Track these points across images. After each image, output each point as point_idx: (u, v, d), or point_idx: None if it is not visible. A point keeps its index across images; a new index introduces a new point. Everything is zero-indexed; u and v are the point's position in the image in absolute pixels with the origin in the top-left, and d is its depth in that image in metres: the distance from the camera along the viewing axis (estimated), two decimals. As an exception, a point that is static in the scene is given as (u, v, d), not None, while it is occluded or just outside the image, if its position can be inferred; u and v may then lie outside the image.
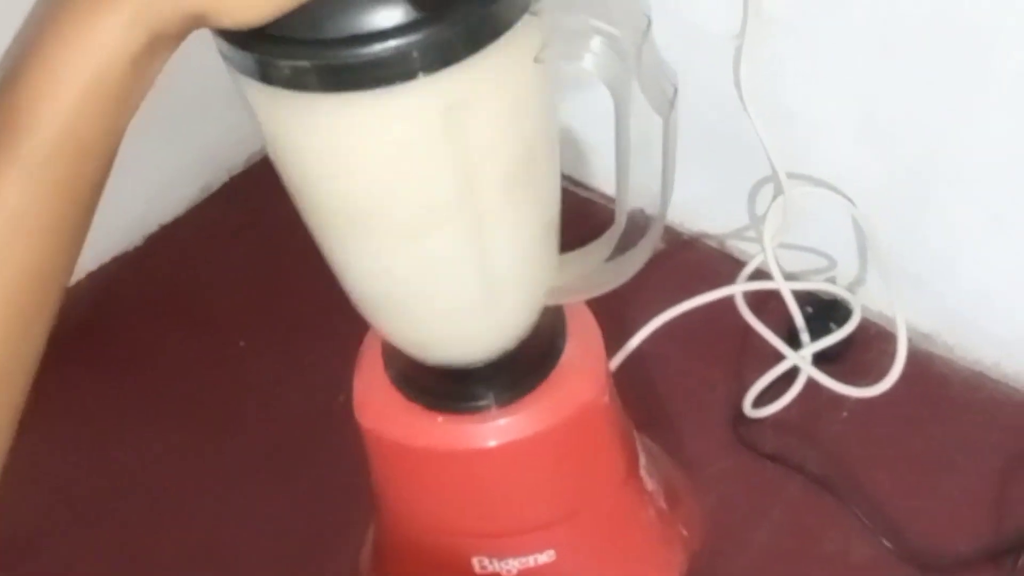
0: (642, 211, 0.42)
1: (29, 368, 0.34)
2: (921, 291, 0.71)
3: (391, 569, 0.57)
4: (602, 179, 0.87)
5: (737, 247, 0.82)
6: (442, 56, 0.32)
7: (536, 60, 0.35)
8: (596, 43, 0.34)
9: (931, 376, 0.72)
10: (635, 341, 0.72)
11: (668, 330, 0.73)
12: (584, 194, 0.88)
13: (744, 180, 0.76)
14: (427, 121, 0.33)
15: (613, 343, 0.72)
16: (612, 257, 0.43)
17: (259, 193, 0.98)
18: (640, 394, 0.73)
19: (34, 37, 0.30)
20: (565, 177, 0.87)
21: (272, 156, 0.38)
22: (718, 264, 0.81)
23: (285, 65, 0.32)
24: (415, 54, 0.31)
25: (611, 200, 0.86)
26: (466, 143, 0.34)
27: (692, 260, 0.82)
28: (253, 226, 0.92)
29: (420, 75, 0.32)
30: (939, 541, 0.64)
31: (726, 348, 0.74)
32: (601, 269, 0.43)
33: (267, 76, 0.33)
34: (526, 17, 0.33)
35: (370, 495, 0.56)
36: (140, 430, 0.78)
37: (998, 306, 0.69)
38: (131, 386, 0.82)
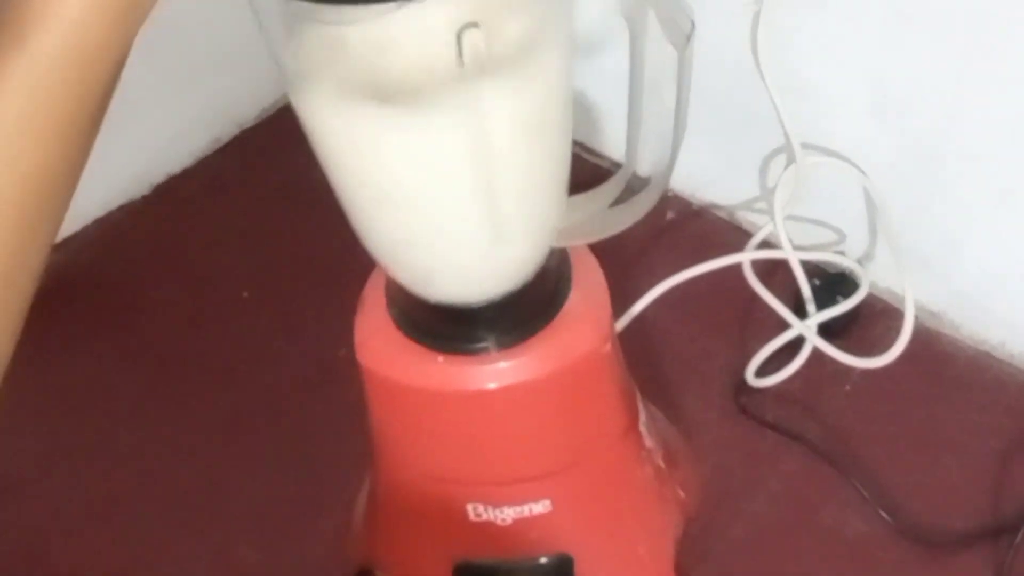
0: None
1: (33, 274, 0.33)
2: (929, 269, 0.70)
3: (383, 515, 0.57)
4: (613, 146, 0.87)
5: (747, 218, 0.81)
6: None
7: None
8: (614, -28, 0.34)
9: (936, 353, 0.71)
10: (639, 306, 0.72)
11: (673, 296, 0.73)
12: (595, 160, 0.87)
13: (756, 151, 0.76)
14: (439, 44, 0.33)
15: (618, 308, 0.71)
16: (621, 199, 0.42)
17: (269, 147, 0.99)
18: (643, 359, 0.72)
19: None
20: (576, 143, 0.88)
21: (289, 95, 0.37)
22: (727, 234, 0.81)
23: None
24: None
25: (620, 166, 0.87)
26: (476, 48, 0.33)
27: (701, 229, 0.82)
28: (262, 180, 0.91)
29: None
30: (937, 517, 0.64)
31: (731, 316, 0.74)
32: (606, 212, 0.43)
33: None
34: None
35: (367, 442, 0.55)
36: (140, 379, 0.78)
37: (1006, 286, 0.68)
38: (133, 334, 0.82)
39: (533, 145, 0.38)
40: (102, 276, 0.86)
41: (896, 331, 0.68)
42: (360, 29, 0.33)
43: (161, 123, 0.91)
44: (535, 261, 0.45)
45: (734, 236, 0.79)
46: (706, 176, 0.81)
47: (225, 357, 0.79)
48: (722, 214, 0.83)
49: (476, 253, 0.42)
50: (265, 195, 0.91)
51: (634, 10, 0.34)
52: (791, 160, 0.70)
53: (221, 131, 0.96)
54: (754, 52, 0.68)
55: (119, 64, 0.32)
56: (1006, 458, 0.66)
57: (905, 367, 0.68)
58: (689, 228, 0.82)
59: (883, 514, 0.64)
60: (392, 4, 0.31)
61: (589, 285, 0.49)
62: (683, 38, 0.35)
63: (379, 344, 0.48)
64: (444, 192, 0.38)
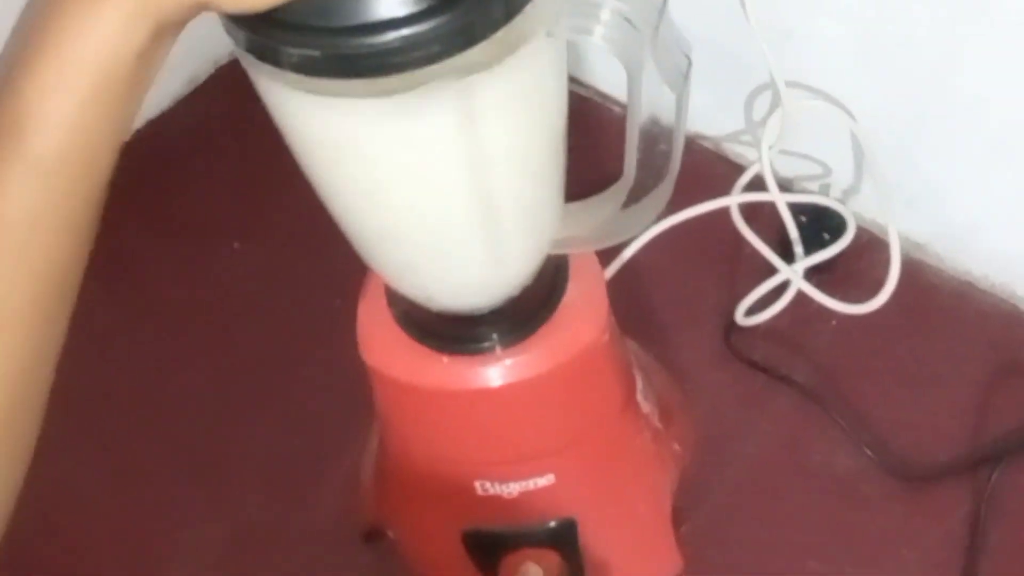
0: (656, 121, 0.41)
1: (52, 362, 0.34)
2: (915, 206, 0.71)
3: (393, 484, 0.59)
4: (599, 77, 0.86)
5: (733, 150, 0.82)
6: (461, 41, 0.31)
7: (548, 34, 0.34)
8: (607, 16, 0.33)
9: (921, 287, 0.73)
10: (629, 251, 0.73)
11: (663, 240, 0.73)
12: (581, 92, 0.87)
13: (743, 89, 0.76)
14: (441, 101, 0.33)
15: (607, 254, 0.72)
16: (620, 208, 0.42)
17: (248, 84, 0.97)
18: (634, 304, 0.74)
19: (36, 34, 0.30)
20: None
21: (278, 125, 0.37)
22: (714, 168, 0.81)
23: (294, 52, 0.31)
24: (433, 42, 0.30)
25: (607, 99, 0.86)
26: (479, 122, 0.33)
27: (688, 163, 0.80)
28: (244, 119, 0.88)
29: (438, 61, 0.31)
30: (921, 452, 0.67)
31: (720, 258, 0.75)
32: (608, 221, 0.43)
33: (275, 60, 0.32)
34: (542, -6, 0.32)
35: (372, 408, 0.56)
36: (129, 335, 0.78)
37: (990, 223, 0.69)
38: (119, 289, 0.81)
39: (530, 151, 0.38)
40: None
41: (882, 268, 0.69)
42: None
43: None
44: (533, 271, 0.45)
45: (722, 170, 0.79)
46: (693, 109, 0.80)
47: (219, 310, 0.79)
48: (709, 145, 0.83)
49: (473, 273, 0.43)
50: (249, 135, 0.89)
51: (630, 53, 0.34)
52: (777, 101, 0.70)
53: (196, 70, 0.94)
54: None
55: (115, 158, 0.33)
56: (988, 390, 0.69)
57: (890, 302, 0.69)
58: None
59: (868, 451, 0.66)
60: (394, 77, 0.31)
61: (586, 274, 0.49)
62: (680, 78, 0.35)
63: (383, 343, 0.49)
64: (441, 216, 0.39)
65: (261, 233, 0.83)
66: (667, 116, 0.39)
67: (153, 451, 0.73)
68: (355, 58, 0.30)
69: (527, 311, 0.47)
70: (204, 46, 0.93)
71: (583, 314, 0.48)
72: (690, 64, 0.35)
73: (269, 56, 0.32)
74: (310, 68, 0.31)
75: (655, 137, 0.39)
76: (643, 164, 0.40)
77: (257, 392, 0.75)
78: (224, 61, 0.95)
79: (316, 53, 0.31)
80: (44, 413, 0.35)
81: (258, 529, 0.69)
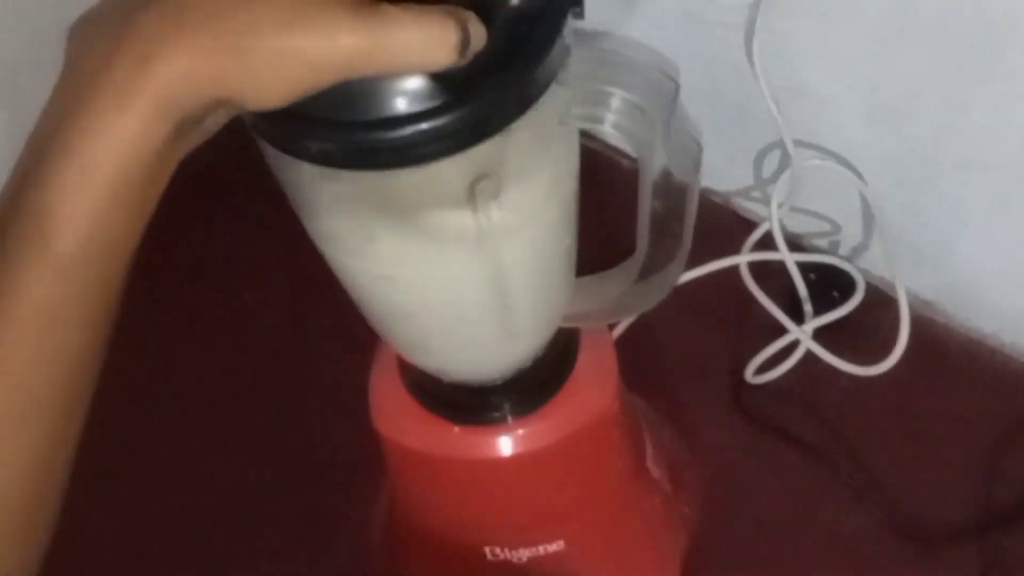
0: (669, 199, 0.41)
1: (71, 452, 0.34)
2: (922, 264, 0.71)
3: (404, 549, 0.59)
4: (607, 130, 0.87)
5: (743, 205, 0.82)
6: (475, 134, 0.31)
7: (560, 123, 0.34)
8: (618, 104, 0.34)
9: (929, 344, 0.72)
10: (639, 308, 0.73)
11: (672, 296, 0.72)
12: (591, 145, 0.87)
13: (753, 145, 0.76)
14: (453, 191, 0.33)
15: (617, 310, 0.72)
16: (633, 283, 0.43)
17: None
18: (643, 361, 0.73)
19: (59, 132, 0.30)
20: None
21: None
22: (723, 222, 0.81)
23: (313, 146, 0.32)
24: (447, 135, 0.31)
25: (616, 152, 0.86)
26: (491, 209, 0.34)
27: (698, 219, 0.82)
28: (257, 166, 0.90)
29: (451, 154, 0.31)
30: (930, 512, 0.66)
31: (730, 316, 0.75)
32: (619, 296, 0.44)
33: (294, 152, 0.33)
34: (553, 86, 0.33)
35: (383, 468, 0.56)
36: (140, 385, 0.77)
37: (997, 281, 0.70)
38: (130, 335, 0.80)
39: (542, 255, 0.39)
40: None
41: (891, 326, 0.69)
42: (370, 185, 0.33)
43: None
44: (544, 343, 0.46)
45: (730, 224, 0.80)
46: (703, 164, 0.81)
47: (229, 361, 0.79)
48: (718, 200, 0.83)
49: (486, 351, 0.43)
50: (262, 182, 0.89)
51: (641, 141, 0.34)
52: (786, 160, 0.71)
53: (211, 121, 0.94)
54: (749, 53, 0.68)
55: (134, 252, 0.33)
56: (998, 450, 0.68)
57: (899, 361, 0.69)
58: None
59: (878, 512, 0.66)
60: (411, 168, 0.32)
61: (596, 344, 0.50)
62: (692, 166, 0.35)
63: (396, 412, 0.49)
64: (458, 309, 0.40)
65: (273, 283, 0.84)
66: (678, 197, 0.39)
67: (163, 504, 0.72)
68: (372, 151, 0.31)
69: (538, 382, 0.48)
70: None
71: (594, 384, 0.49)
72: (701, 151, 0.35)
73: (288, 147, 0.32)
74: (328, 160, 0.32)
75: (667, 216, 0.40)
76: (655, 242, 0.41)
77: (267, 444, 0.74)
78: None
79: (334, 147, 0.31)
80: (62, 503, 0.35)
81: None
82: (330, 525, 0.70)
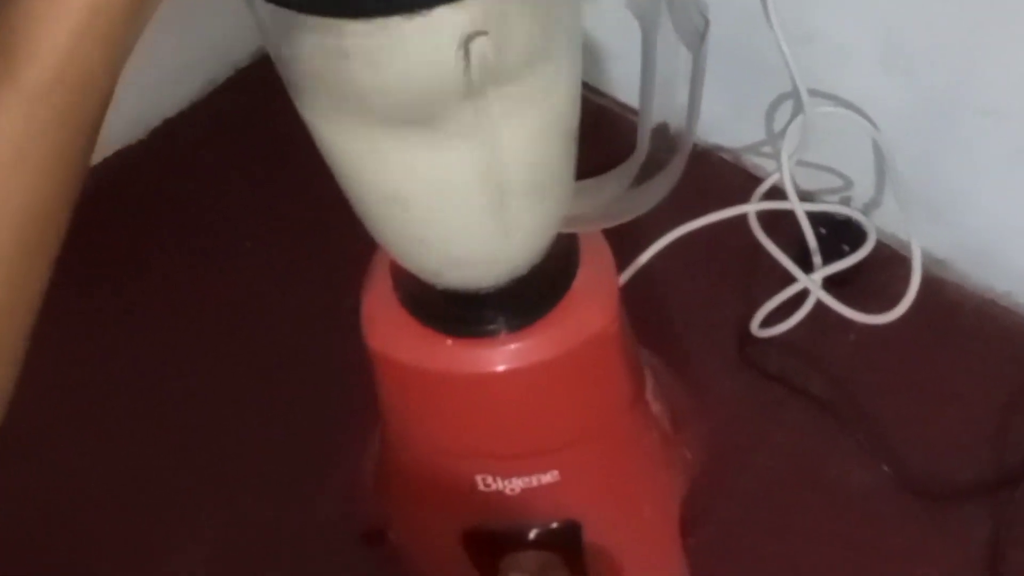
0: (666, 125, 0.40)
1: (33, 306, 0.33)
2: (937, 219, 0.70)
3: (394, 482, 0.57)
4: (617, 86, 0.85)
5: (752, 162, 0.80)
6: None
7: (563, -14, 0.33)
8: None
9: (942, 303, 0.71)
10: (645, 257, 0.72)
11: (679, 246, 0.72)
12: (599, 101, 0.86)
13: (763, 96, 0.75)
14: (442, 43, 0.32)
15: (623, 259, 0.71)
16: (633, 186, 0.41)
17: (266, 87, 0.95)
18: (648, 311, 0.72)
19: None
20: (582, 84, 0.86)
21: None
22: (732, 179, 0.80)
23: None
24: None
25: (626, 108, 0.85)
26: (484, 59, 0.32)
27: (706, 174, 0.81)
28: (260, 122, 0.90)
29: (444, 2, 0.30)
30: (939, 469, 0.65)
31: (737, 266, 0.74)
32: (618, 199, 0.42)
33: (280, -1, 0.31)
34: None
35: (376, 406, 0.56)
36: (141, 332, 0.78)
37: (1015, 238, 0.68)
38: (132, 286, 0.81)
39: (542, 148, 0.38)
40: (98, 225, 0.84)
41: (903, 280, 0.67)
42: (361, 42, 0.32)
43: (155, 65, 0.87)
44: (543, 248, 0.44)
45: (740, 180, 0.78)
46: (712, 118, 0.80)
47: (228, 309, 0.79)
48: (728, 157, 0.82)
49: (482, 247, 0.42)
50: (265, 136, 0.89)
51: (645, 8, 0.33)
52: (798, 109, 0.69)
53: (216, 72, 0.94)
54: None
55: (110, 90, 0.32)
56: (1009, 409, 0.67)
57: (911, 316, 0.68)
58: (695, 172, 0.79)
59: (885, 467, 0.65)
60: (397, 18, 0.30)
61: (596, 261, 0.48)
62: (697, 38, 0.34)
63: (387, 326, 0.47)
64: (451, 197, 0.38)
65: (273, 233, 0.83)
66: (681, 91, 0.38)
67: (154, 445, 0.72)
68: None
69: (534, 295, 0.46)
70: (223, 48, 0.93)
71: (593, 301, 0.47)
72: (708, 24, 0.34)
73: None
74: (313, 4, 0.30)
75: (669, 111, 0.38)
76: (656, 137, 0.39)
77: (262, 390, 0.74)
78: (244, 64, 0.95)
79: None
80: (21, 365, 0.34)
81: (257, 526, 0.67)
82: (323, 470, 0.69)
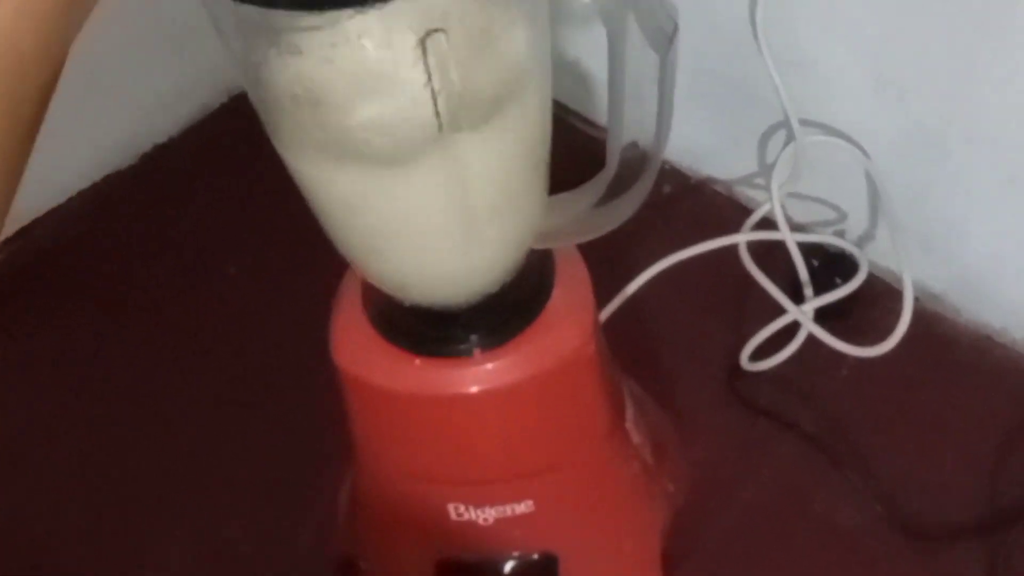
0: (636, 144, 0.39)
1: None
2: (930, 251, 0.68)
3: (365, 511, 0.56)
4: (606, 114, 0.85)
5: (744, 194, 0.79)
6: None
7: (526, -14, 0.32)
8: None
9: (936, 337, 0.70)
10: (633, 287, 0.70)
11: (668, 277, 0.71)
12: (587, 129, 0.85)
13: (754, 126, 0.74)
14: (403, 42, 0.31)
15: (610, 288, 0.70)
16: (603, 202, 0.40)
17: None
18: (635, 341, 0.71)
19: None
20: (569, 112, 0.86)
21: (243, 79, 0.35)
22: (723, 210, 0.79)
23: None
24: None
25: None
26: (445, 66, 0.31)
27: (697, 205, 0.80)
28: (252, 149, 0.88)
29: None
30: (931, 509, 0.63)
31: (726, 298, 0.72)
32: (591, 213, 0.41)
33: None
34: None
35: (347, 434, 0.54)
36: (124, 357, 0.77)
37: (1009, 271, 0.66)
38: (117, 311, 0.80)
39: (512, 169, 0.37)
40: (86, 250, 0.85)
41: (895, 315, 0.66)
42: (315, 39, 0.31)
43: (148, 89, 0.89)
44: (514, 264, 0.43)
45: (731, 212, 0.77)
46: (703, 149, 0.79)
47: (210, 337, 0.77)
48: (720, 188, 0.81)
49: (449, 263, 0.40)
50: (256, 165, 0.87)
51: (612, 11, 0.32)
52: (790, 138, 0.68)
53: (210, 98, 0.93)
54: (752, 25, 0.66)
55: (53, 76, 0.30)
56: (1004, 448, 0.65)
57: (904, 351, 0.66)
58: (685, 203, 0.80)
59: (876, 505, 0.63)
60: (348, 10, 0.29)
61: (572, 281, 0.47)
62: (665, 41, 0.33)
63: (354, 343, 0.46)
64: (416, 215, 0.37)
65: (258, 260, 0.82)
66: (652, 103, 0.37)
67: (133, 474, 0.70)
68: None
69: (507, 313, 0.45)
70: (220, 74, 0.92)
71: (568, 319, 0.46)
72: (676, 27, 0.33)
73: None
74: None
75: (640, 125, 0.37)
76: (629, 154, 0.38)
77: (244, 419, 0.72)
78: (237, 90, 0.94)
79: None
80: None
81: (231, 554, 0.66)
82: (301, 499, 0.67)
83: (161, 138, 0.91)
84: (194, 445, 0.71)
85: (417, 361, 0.45)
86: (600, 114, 0.85)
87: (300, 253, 0.79)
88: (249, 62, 0.34)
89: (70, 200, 0.87)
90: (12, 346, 0.77)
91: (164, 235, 0.85)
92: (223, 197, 0.87)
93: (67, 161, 0.86)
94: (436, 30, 0.30)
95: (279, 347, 0.75)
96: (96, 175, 0.88)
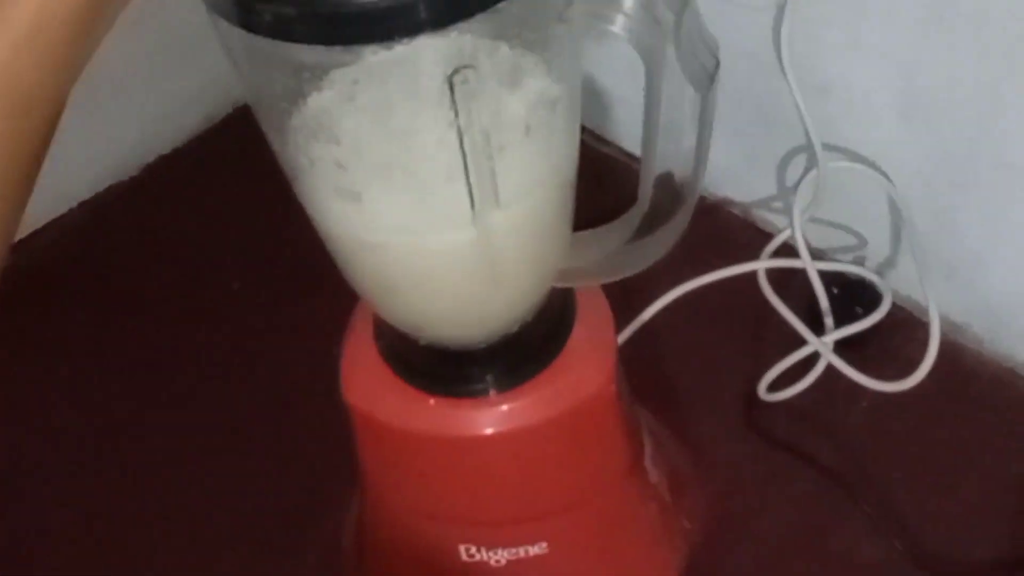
0: (671, 175, 0.38)
1: None
2: (954, 280, 0.67)
3: (372, 548, 0.54)
4: (622, 133, 0.83)
5: (763, 217, 0.77)
6: (452, 8, 0.27)
7: (560, 20, 0.30)
8: (630, 5, 0.30)
9: (959, 370, 0.68)
10: (648, 313, 0.68)
11: (684, 303, 0.69)
12: (604, 149, 0.83)
13: (775, 149, 0.72)
14: (430, 84, 0.29)
15: (624, 315, 0.68)
16: (635, 239, 0.38)
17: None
18: (650, 370, 0.69)
19: None
20: (585, 131, 0.84)
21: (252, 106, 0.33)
22: (742, 234, 0.77)
23: (265, 10, 0.27)
24: (420, 5, 0.26)
25: (632, 158, 0.83)
26: (474, 108, 0.29)
27: (714, 229, 0.78)
28: (256, 161, 0.86)
29: (426, 30, 0.27)
30: (954, 547, 0.61)
31: (744, 327, 0.70)
32: (619, 252, 0.39)
33: (247, 21, 0.28)
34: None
35: (355, 466, 0.52)
36: (124, 372, 0.75)
37: (1035, 304, 0.65)
38: (117, 325, 0.78)
39: (537, 201, 0.35)
40: (87, 262, 0.83)
41: (918, 346, 0.64)
42: (339, 76, 0.29)
43: (151, 100, 0.87)
44: (534, 304, 0.41)
45: (749, 237, 0.75)
46: (722, 170, 0.77)
47: (213, 352, 0.76)
48: (737, 211, 0.79)
49: (468, 303, 0.39)
50: (259, 176, 0.86)
51: (649, 44, 0.30)
52: (812, 163, 0.66)
53: (214, 109, 0.91)
54: (776, 47, 0.64)
55: (56, 113, 0.29)
56: (1029, 485, 0.63)
57: (926, 384, 0.64)
58: (702, 226, 0.76)
59: (896, 543, 0.61)
60: (374, 46, 0.27)
61: (594, 319, 0.45)
62: (707, 79, 0.31)
63: (366, 381, 0.44)
64: (432, 244, 0.35)
65: (262, 275, 0.80)
66: (688, 137, 0.35)
67: (131, 496, 0.68)
68: (334, 19, 0.27)
69: (526, 353, 0.43)
70: (223, 84, 0.90)
71: (588, 360, 0.44)
72: (718, 64, 0.31)
73: (243, 18, 0.28)
74: (285, 29, 0.27)
75: (675, 159, 0.35)
76: (660, 188, 0.36)
77: (246, 439, 0.70)
78: (243, 101, 0.92)
79: (291, 11, 0.27)
80: None
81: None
82: (304, 530, 0.65)
83: (165, 149, 0.90)
84: (193, 468, 0.69)
85: (431, 401, 0.43)
86: (615, 131, 0.83)
87: (307, 269, 0.76)
88: (263, 94, 0.32)
89: (71, 211, 0.86)
90: (11, 360, 0.75)
91: (166, 248, 0.84)
92: (227, 210, 0.85)
93: (69, 171, 0.84)
94: (465, 67, 0.28)
95: (283, 367, 0.74)
96: (98, 186, 0.87)
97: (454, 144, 0.30)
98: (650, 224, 0.37)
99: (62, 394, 0.74)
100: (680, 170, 0.35)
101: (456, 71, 0.28)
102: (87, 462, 0.70)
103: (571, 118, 0.35)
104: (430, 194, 0.33)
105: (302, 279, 0.78)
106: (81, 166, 0.85)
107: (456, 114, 0.29)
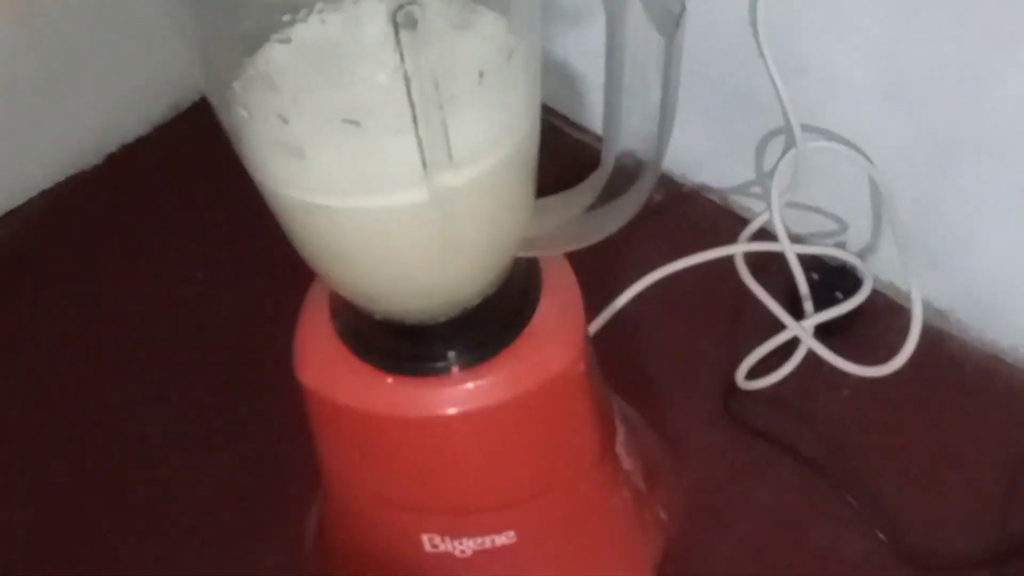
0: (633, 155, 0.36)
1: None
2: (936, 266, 0.65)
3: (333, 543, 0.52)
4: (597, 119, 0.81)
5: (740, 203, 0.76)
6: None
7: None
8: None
9: (942, 357, 0.66)
10: (622, 300, 0.67)
11: (659, 290, 0.67)
12: (577, 135, 0.82)
13: (753, 131, 0.70)
14: (372, 22, 0.27)
15: (598, 301, 0.66)
16: (597, 205, 0.36)
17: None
18: (624, 358, 0.67)
19: None
20: (558, 116, 0.82)
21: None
22: (718, 220, 0.75)
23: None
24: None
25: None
26: (421, 51, 0.27)
27: (690, 215, 0.76)
28: (223, 151, 0.85)
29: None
30: (938, 538, 0.59)
31: (721, 313, 0.69)
32: (583, 218, 0.37)
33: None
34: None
35: (314, 456, 0.50)
36: (86, 366, 0.73)
37: (1019, 287, 0.63)
38: (80, 317, 0.77)
39: (498, 164, 0.33)
40: (48, 252, 0.81)
41: (900, 331, 0.62)
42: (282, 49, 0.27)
43: (115, 87, 0.85)
44: (496, 275, 0.39)
45: (727, 223, 0.74)
46: (698, 156, 0.76)
47: (178, 344, 0.74)
48: (714, 197, 0.77)
49: (425, 269, 0.36)
50: (226, 165, 0.84)
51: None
52: (790, 144, 0.65)
53: (180, 97, 0.90)
54: (753, 24, 0.62)
55: None
56: (1015, 474, 0.61)
57: (908, 371, 0.63)
58: (678, 212, 0.76)
59: (879, 534, 0.59)
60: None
61: (560, 293, 0.43)
62: (671, 22, 0.29)
63: (321, 359, 0.42)
64: (386, 211, 0.33)
65: (228, 265, 0.78)
66: (654, 92, 0.33)
67: (90, 491, 0.66)
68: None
69: (490, 328, 0.41)
70: (189, 72, 0.88)
71: (556, 336, 0.42)
72: (684, 9, 0.29)
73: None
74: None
75: (640, 116, 0.33)
76: (623, 153, 0.34)
77: (209, 434, 0.68)
78: (208, 90, 0.90)
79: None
80: None
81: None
82: (267, 525, 0.63)
83: (128, 138, 0.88)
84: (153, 461, 0.67)
85: (389, 379, 0.41)
86: (590, 118, 0.81)
87: (272, 259, 0.74)
88: (207, 49, 0.30)
89: (31, 201, 0.84)
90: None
91: (130, 239, 0.82)
92: (192, 200, 0.84)
93: (29, 160, 0.83)
94: (409, 2, 0.26)
95: (248, 358, 0.72)
96: (59, 175, 0.85)
97: (401, 92, 0.28)
98: (614, 189, 0.35)
99: (19, 387, 0.72)
100: (645, 131, 0.33)
101: (400, 6, 0.26)
102: (43, 456, 0.68)
103: (530, 73, 0.33)
104: (377, 150, 0.31)
105: (269, 269, 0.75)
106: (42, 154, 0.83)
107: (401, 57, 0.27)
